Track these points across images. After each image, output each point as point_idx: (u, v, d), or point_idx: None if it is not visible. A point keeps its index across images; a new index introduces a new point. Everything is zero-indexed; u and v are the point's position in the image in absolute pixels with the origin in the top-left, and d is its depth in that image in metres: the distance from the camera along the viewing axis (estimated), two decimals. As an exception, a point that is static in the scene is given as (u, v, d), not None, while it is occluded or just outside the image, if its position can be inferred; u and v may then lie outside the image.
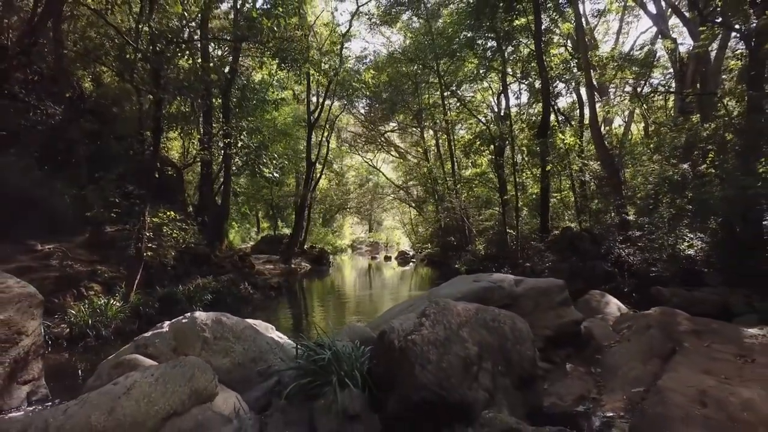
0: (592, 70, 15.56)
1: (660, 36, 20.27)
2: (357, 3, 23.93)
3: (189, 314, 4.21)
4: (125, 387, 2.84)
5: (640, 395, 3.78)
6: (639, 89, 15.63)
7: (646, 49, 18.17)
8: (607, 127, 24.40)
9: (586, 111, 16.59)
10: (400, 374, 3.19)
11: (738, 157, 8.97)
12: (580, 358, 4.60)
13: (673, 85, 15.43)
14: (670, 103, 17.01)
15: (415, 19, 24.26)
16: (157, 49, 8.59)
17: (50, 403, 5.19)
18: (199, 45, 11.74)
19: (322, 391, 3.35)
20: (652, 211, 11.43)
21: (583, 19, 20.11)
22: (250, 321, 4.49)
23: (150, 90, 8.69)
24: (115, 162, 12.17)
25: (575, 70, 13.99)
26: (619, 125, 25.68)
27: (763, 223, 8.75)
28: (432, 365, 3.08)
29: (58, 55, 10.04)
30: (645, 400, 3.40)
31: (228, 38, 11.61)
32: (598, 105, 19.11)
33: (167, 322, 4.35)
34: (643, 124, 19.97)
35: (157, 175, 9.56)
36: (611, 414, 3.64)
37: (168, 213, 9.82)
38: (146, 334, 4.24)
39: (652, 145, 13.12)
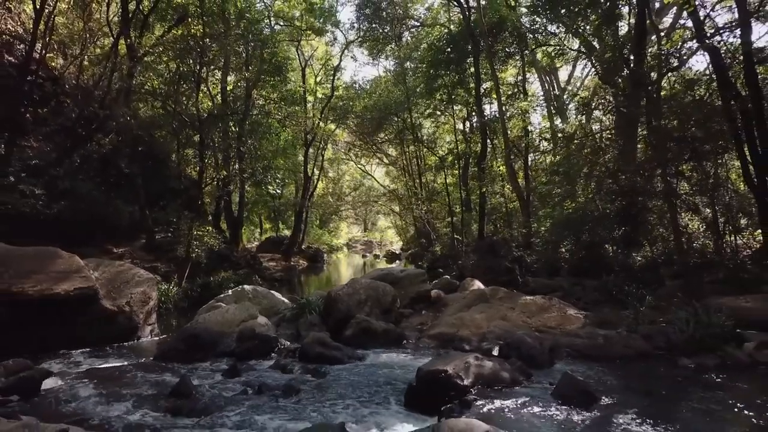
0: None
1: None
2: (346, 40, 28.61)
3: (241, 286, 8.90)
4: (227, 309, 7.53)
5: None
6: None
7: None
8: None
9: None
10: (333, 308, 7.87)
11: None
12: (432, 309, 9.27)
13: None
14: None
15: (395, 47, 28.74)
16: (202, 118, 13.26)
17: (163, 336, 9.86)
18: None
19: (302, 316, 8.04)
20: (552, 225, 16.07)
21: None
22: (270, 291, 9.21)
23: (196, 147, 13.37)
24: (155, 186, 16.72)
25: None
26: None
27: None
28: (345, 303, 7.77)
29: (126, 121, 14.68)
30: (437, 321, 8.08)
31: (240, 115, 16.17)
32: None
33: (230, 290, 9.03)
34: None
35: (200, 202, 14.27)
36: (429, 328, 8.32)
37: (207, 228, 14.51)
38: (221, 295, 8.93)
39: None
